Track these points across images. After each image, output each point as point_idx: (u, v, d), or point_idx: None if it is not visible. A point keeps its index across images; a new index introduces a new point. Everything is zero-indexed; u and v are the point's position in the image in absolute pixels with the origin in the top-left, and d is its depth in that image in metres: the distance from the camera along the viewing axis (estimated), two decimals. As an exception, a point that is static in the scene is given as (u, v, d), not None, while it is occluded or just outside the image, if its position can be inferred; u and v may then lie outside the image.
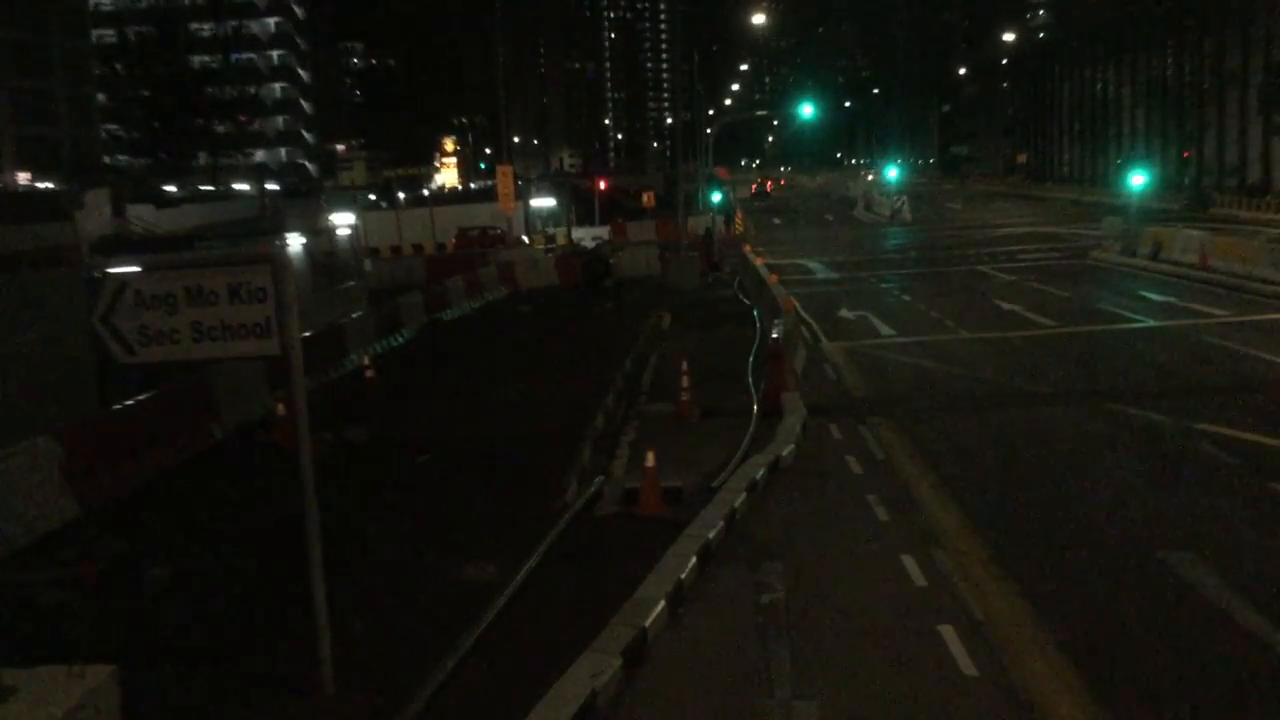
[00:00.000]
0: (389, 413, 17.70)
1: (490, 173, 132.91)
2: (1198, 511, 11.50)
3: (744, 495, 12.34)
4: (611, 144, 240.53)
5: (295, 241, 27.67)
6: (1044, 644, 8.64)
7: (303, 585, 8.06)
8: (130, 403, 14.77)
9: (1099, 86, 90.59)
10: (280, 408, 15.00)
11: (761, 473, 13.25)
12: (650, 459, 12.38)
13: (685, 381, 17.18)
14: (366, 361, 19.81)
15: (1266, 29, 60.09)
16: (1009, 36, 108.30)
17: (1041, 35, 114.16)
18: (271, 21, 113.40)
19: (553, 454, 14.41)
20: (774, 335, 19.08)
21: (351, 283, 32.51)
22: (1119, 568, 10.12)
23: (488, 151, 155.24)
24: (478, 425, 16.74)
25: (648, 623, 8.82)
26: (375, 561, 10.80)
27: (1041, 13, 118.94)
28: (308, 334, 21.44)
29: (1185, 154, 72.05)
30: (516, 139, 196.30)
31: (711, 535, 10.97)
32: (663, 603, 9.23)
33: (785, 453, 14.19)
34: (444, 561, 10.46)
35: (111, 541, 11.56)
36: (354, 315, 24.67)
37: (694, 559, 10.31)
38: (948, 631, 8.89)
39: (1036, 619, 9.11)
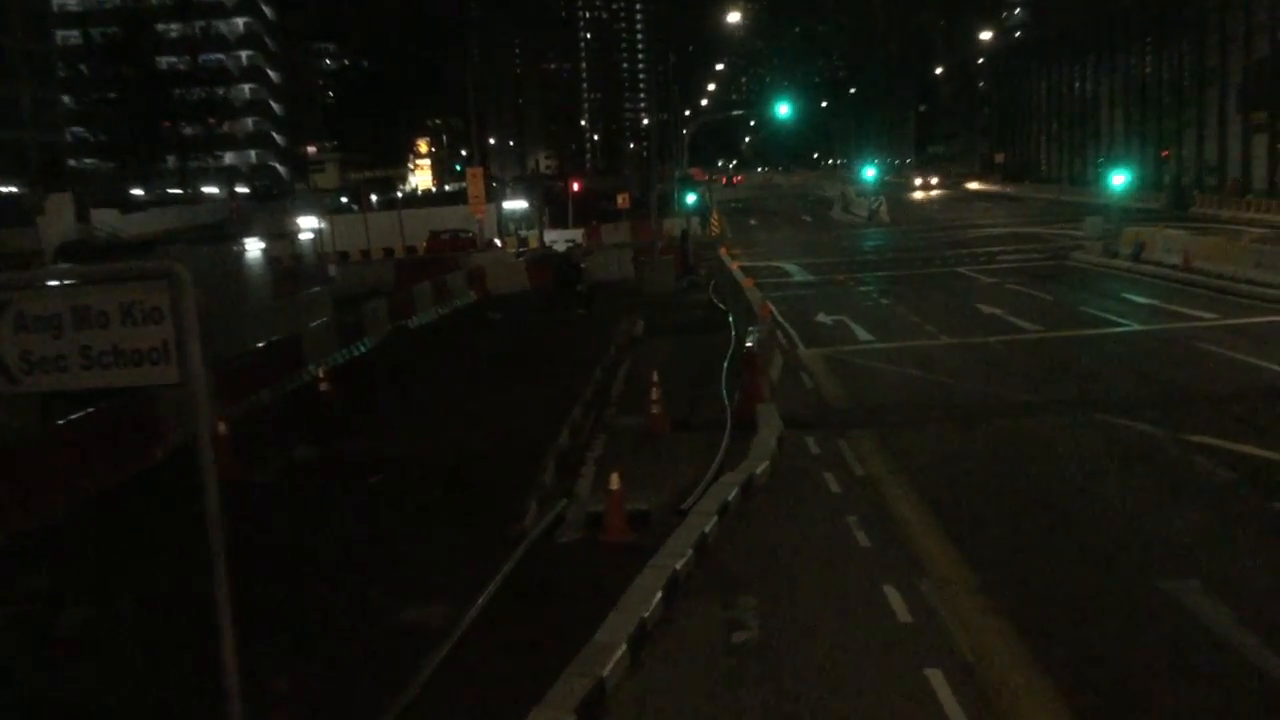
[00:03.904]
0: (343, 428, 16.82)
1: (464, 174, 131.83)
2: (1197, 533, 10.79)
3: (715, 519, 11.56)
4: (588, 145, 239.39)
5: (254, 246, 26.67)
6: (1040, 690, 7.88)
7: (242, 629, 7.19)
8: (63, 422, 13.86)
9: (1077, 86, 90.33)
10: (222, 426, 14.11)
11: (734, 493, 12.47)
12: (615, 481, 11.58)
13: (655, 394, 16.38)
14: (321, 374, 18.90)
15: (1245, 27, 59.78)
16: (986, 35, 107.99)
17: (1018, 34, 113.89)
18: (240, 22, 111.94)
19: (515, 472, 13.60)
20: (748, 344, 18.32)
21: (316, 289, 31.55)
22: (1118, 599, 9.38)
23: (463, 153, 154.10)
24: (437, 441, 15.89)
25: (606, 671, 8.00)
26: (310, 601, 9.93)
27: (1018, 11, 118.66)
28: (261, 345, 20.62)
29: (1164, 153, 71.74)
30: (492, 140, 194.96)
31: (679, 565, 10.17)
32: (624, 647, 8.42)
33: (759, 470, 13.41)
34: (387, 600, 9.62)
35: (31, 578, 10.66)
36: (314, 323, 23.74)
37: (660, 594, 9.51)
38: (935, 676, 8.12)
39: (1031, 661, 8.35)
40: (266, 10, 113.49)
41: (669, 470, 14.10)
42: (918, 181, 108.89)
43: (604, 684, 7.91)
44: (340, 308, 28.78)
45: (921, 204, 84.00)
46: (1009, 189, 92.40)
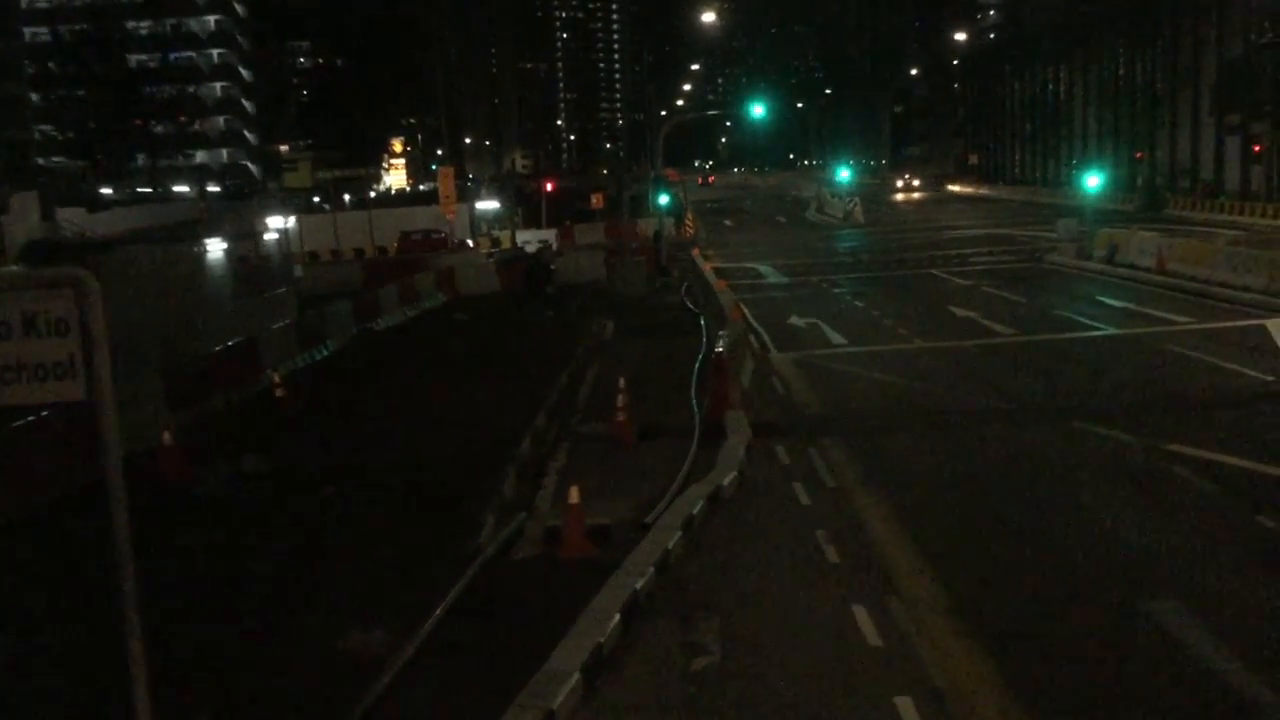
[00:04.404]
0: (299, 437, 16.26)
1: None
2: (1178, 550, 10.40)
3: (679, 534, 11.09)
4: (565, 145, 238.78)
5: (216, 247, 26.04)
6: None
7: (164, 661, 6.67)
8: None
9: (1051, 87, 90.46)
10: (166, 436, 13.54)
11: (700, 506, 12.01)
12: (574, 495, 11.11)
13: (621, 400, 15.90)
14: (277, 379, 18.32)
15: (1218, 29, 59.85)
16: (960, 37, 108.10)
17: (992, 36, 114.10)
18: (211, 19, 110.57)
19: (473, 483, 13.11)
20: (718, 349, 17.89)
21: (281, 290, 30.92)
22: (1096, 621, 8.97)
23: (439, 153, 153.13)
24: (395, 449, 15.36)
25: (557, 704, 7.52)
26: (246, 625, 9.39)
27: (993, 13, 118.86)
28: (216, 348, 20.03)
29: (1138, 155, 71.84)
30: (468, 140, 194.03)
31: (639, 585, 9.70)
32: (577, 675, 7.94)
33: (726, 481, 12.96)
34: (326, 624, 9.10)
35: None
36: (274, 326, 23.14)
37: (617, 616, 9.04)
38: (905, 705, 7.68)
39: (1003, 688, 7.93)
40: (238, 8, 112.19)
41: (634, 481, 13.64)
42: (899, 183, 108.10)
43: (554, 716, 7.43)
44: (306, 309, 28.19)
45: (897, 205, 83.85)
46: (991, 191, 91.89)
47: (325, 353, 23.65)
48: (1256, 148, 56.86)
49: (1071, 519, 11.44)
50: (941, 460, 14.08)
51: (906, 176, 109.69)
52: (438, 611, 9.11)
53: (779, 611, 9.51)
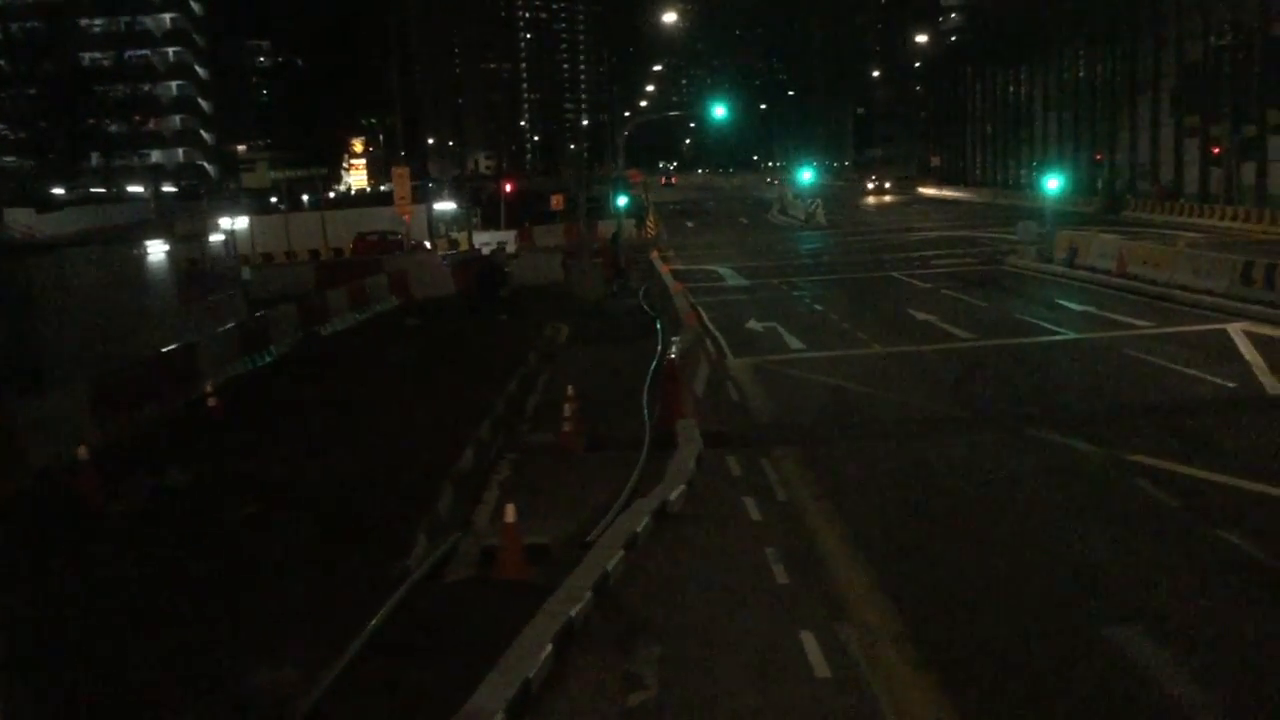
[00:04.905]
0: (230, 448, 15.53)
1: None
2: (1142, 569, 9.95)
3: (621, 554, 10.53)
4: (529, 146, 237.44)
5: (157, 249, 25.17)
6: (970, 764, 6.96)
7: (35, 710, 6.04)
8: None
9: (1011, 89, 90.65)
10: (82, 450, 12.79)
11: (645, 522, 11.45)
12: (510, 513, 10.52)
13: (568, 409, 15.34)
14: (210, 388, 17.55)
15: (1178, 31, 60.02)
16: (922, 38, 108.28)
17: (954, 38, 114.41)
18: (167, 17, 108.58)
19: (408, 499, 12.47)
20: (670, 355, 17.35)
21: (227, 293, 30.07)
22: (1056, 649, 8.48)
23: (402, 154, 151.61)
24: (330, 462, 14.67)
25: (476, 749, 6.95)
26: (141, 665, 8.69)
27: (954, 15, 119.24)
28: (150, 355, 19.26)
29: (1098, 157, 72.03)
30: (431, 140, 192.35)
31: (575, 611, 9.12)
32: (500, 716, 7.36)
33: (674, 496, 12.40)
34: (233, 661, 8.45)
35: None
36: (214, 331, 22.36)
37: (550, 646, 8.46)
38: (853, 746, 7.16)
39: (960, 725, 7.43)
40: (195, 6, 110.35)
41: (580, 494, 13.09)
42: (869, 185, 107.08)
43: (472, 765, 6.85)
44: (253, 313, 27.35)
45: (862, 208, 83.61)
46: (963, 194, 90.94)
47: (268, 359, 22.87)
48: (1215, 150, 57.02)
49: (1031, 536, 10.97)
50: (896, 472, 13.60)
51: (875, 179, 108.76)
52: (355, 644, 8.48)
53: (722, 638, 8.97)
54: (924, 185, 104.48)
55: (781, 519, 11.93)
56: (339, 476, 13.85)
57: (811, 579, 10.14)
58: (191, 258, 34.62)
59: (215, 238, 36.33)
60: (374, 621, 8.91)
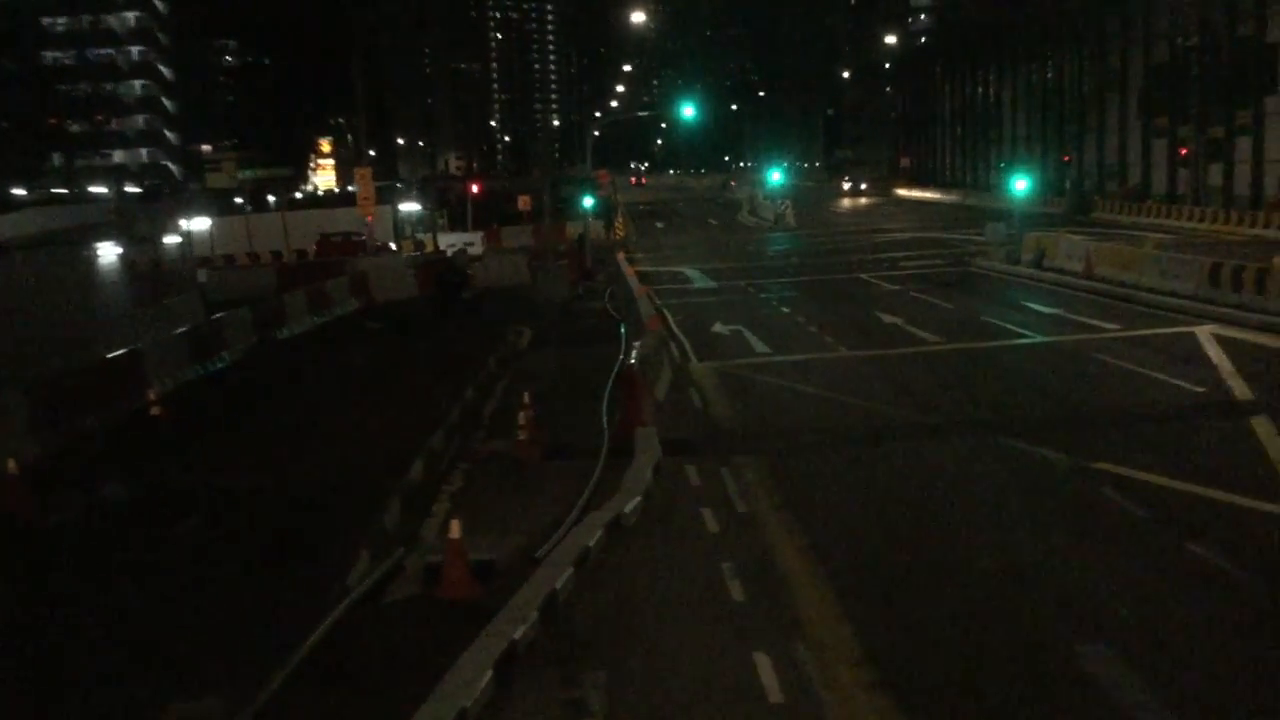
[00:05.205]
0: (173, 460, 14.99)
1: (373, 174, 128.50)
2: (1109, 584, 9.61)
3: (570, 571, 10.11)
4: (499, 146, 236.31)
5: (109, 251, 24.55)
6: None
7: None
8: None
9: (980, 90, 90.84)
10: (11, 464, 12.24)
11: (597, 536, 11.05)
12: (455, 529, 10.07)
13: (524, 418, 14.90)
14: (153, 395, 16.97)
15: (1145, 32, 60.16)
16: (891, 39, 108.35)
17: (924, 39, 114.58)
18: (131, 16, 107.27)
19: (354, 512, 11.99)
20: (630, 360, 16.95)
21: (182, 296, 29.43)
22: (1019, 670, 8.12)
23: (371, 154, 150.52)
24: (275, 473, 14.17)
25: (403, 790, 6.51)
26: (52, 691, 8.19)
27: (924, 17, 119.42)
28: (94, 362, 18.68)
29: (1066, 158, 72.19)
30: (401, 141, 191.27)
31: (519, 633, 8.70)
32: (432, 751, 6.93)
33: (629, 509, 12.00)
34: (151, 692, 7.96)
35: None
36: (163, 336, 21.75)
37: (490, 673, 8.03)
38: (805, 780, 6.77)
39: (919, 756, 7.05)
40: (159, 5, 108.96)
41: (532, 506, 12.68)
42: (844, 186, 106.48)
43: (398, 807, 6.42)
44: (210, 317, 26.73)
45: (833, 209, 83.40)
46: (943, 195, 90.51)
47: (220, 365, 22.28)
48: (1183, 150, 57.20)
49: (996, 550, 10.61)
50: (860, 482, 13.24)
51: (850, 180, 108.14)
52: (283, 673, 8.02)
53: (672, 661, 8.57)
54: (900, 187, 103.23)
55: (740, 531, 11.55)
56: (283, 489, 13.36)
57: (768, 596, 9.76)
58: (154, 260, 33.99)
59: (170, 239, 35.59)
60: (305, 646, 8.44)
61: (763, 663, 8.38)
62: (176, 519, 11.95)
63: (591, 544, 10.83)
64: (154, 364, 19.57)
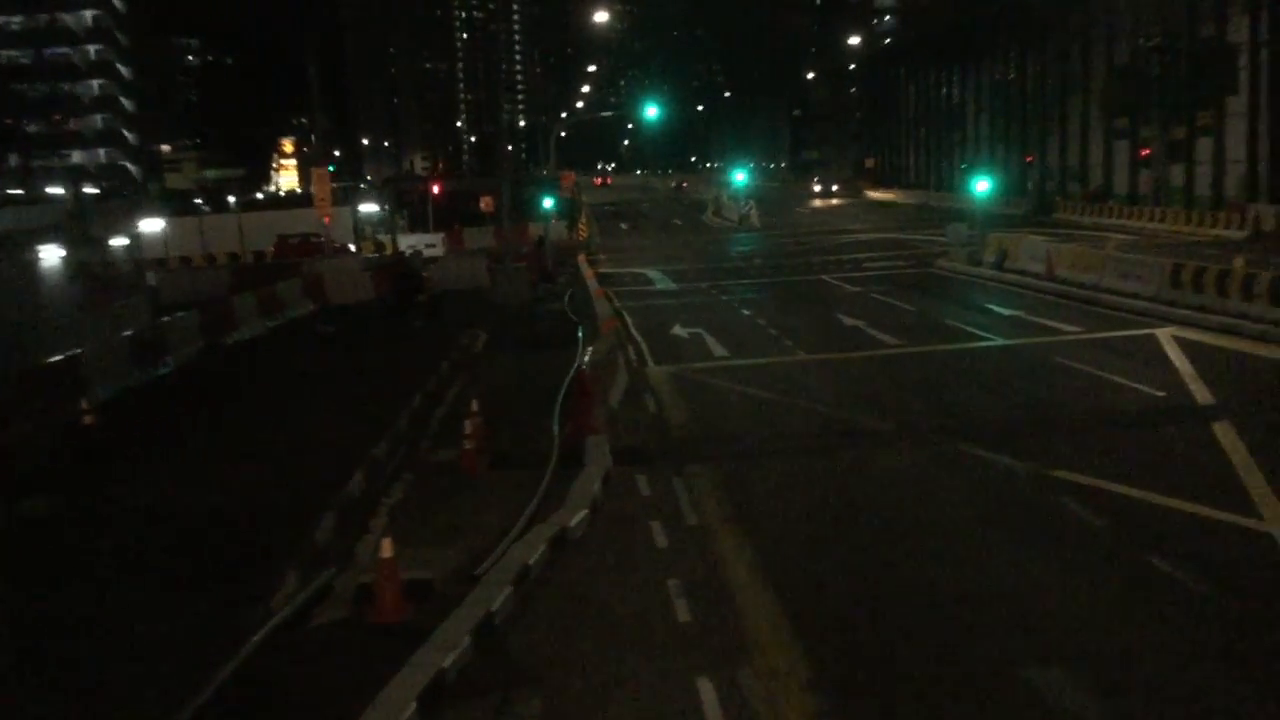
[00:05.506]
0: (105, 473, 14.39)
1: (337, 175, 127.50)
2: (1067, 601, 9.25)
3: (509, 590, 9.65)
4: (465, 146, 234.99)
5: (51, 254, 23.83)
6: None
7: None
8: None
9: (944, 91, 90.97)
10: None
11: (540, 552, 10.60)
12: (387, 547, 9.57)
13: (470, 426, 14.40)
14: (86, 404, 16.33)
15: (1108, 33, 60.29)
16: (855, 40, 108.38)
17: (888, 40, 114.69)
18: (88, 14, 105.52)
19: (287, 527, 11.47)
20: (581, 365, 16.50)
21: (130, 299, 28.68)
22: (975, 696, 7.73)
23: (336, 154, 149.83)
24: (209, 486, 13.60)
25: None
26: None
27: (888, 18, 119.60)
28: (28, 368, 18.02)
29: (1028, 159, 72.34)
30: (366, 141, 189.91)
31: (449, 661, 8.23)
32: (345, 795, 6.45)
33: (574, 522, 11.55)
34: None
35: None
36: (103, 342, 21.05)
37: (414, 704, 7.56)
38: (744, 821, 6.34)
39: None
40: (117, 3, 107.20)
41: (476, 520, 12.21)
42: (815, 187, 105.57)
43: None
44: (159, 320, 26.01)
45: (798, 210, 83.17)
46: (915, 197, 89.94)
47: (164, 371, 21.62)
48: (1145, 151, 57.35)
49: (952, 565, 10.23)
50: (815, 492, 12.84)
51: (820, 181, 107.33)
52: (195, 703, 7.50)
53: (612, 689, 8.12)
54: (871, 188, 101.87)
55: (689, 545, 11.12)
56: (217, 503, 12.78)
57: (715, 616, 9.34)
58: (103, 262, 33.20)
59: (117, 241, 34.76)
60: (220, 676, 7.92)
61: (706, 690, 7.97)
62: (100, 536, 11.36)
63: (533, 561, 10.37)
64: (94, 370, 18.90)
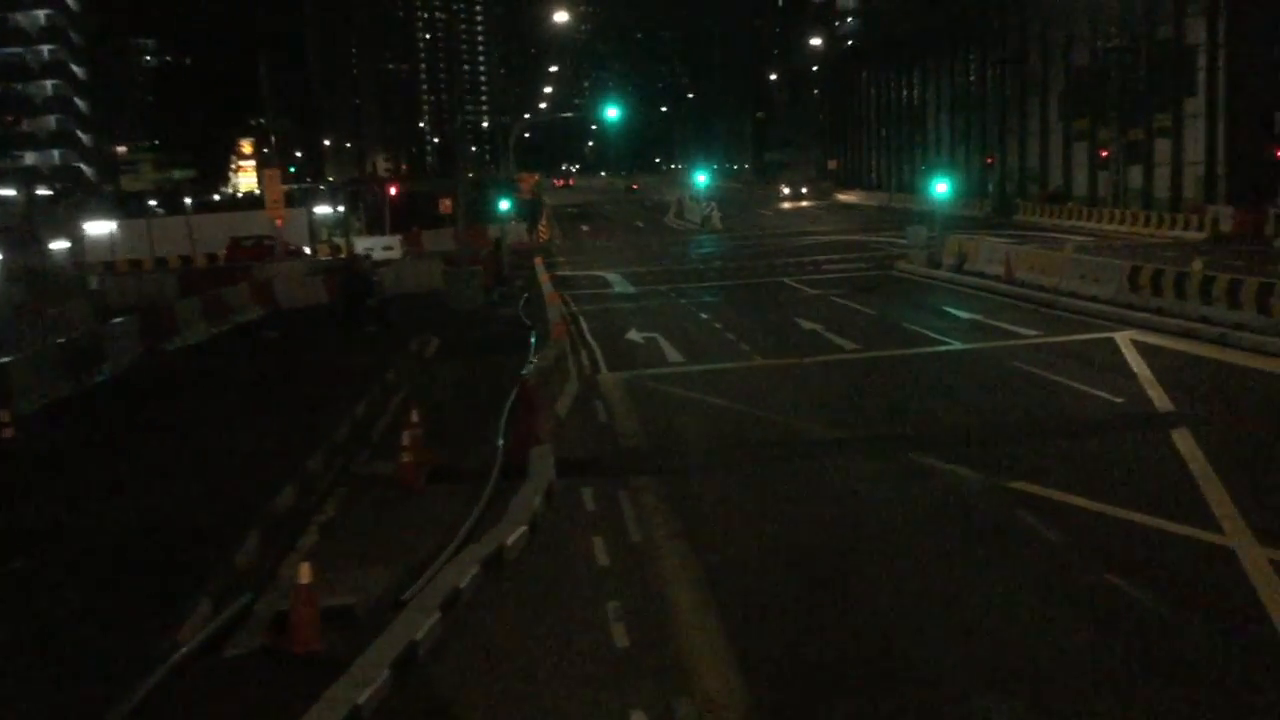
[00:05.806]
0: (16, 487, 13.71)
1: (299, 176, 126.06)
2: (1023, 624, 8.81)
3: (436, 616, 9.12)
4: (428, 148, 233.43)
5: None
6: None
7: None
8: None
9: (906, 93, 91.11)
10: None
11: (473, 573, 10.08)
12: (305, 572, 9.01)
13: (408, 438, 13.83)
14: (7, 416, 15.63)
15: (1067, 36, 60.44)
16: (817, 42, 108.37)
17: (850, 42, 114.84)
18: (41, 14, 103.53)
19: (207, 547, 10.87)
20: (526, 373, 15.98)
21: (70, 304, 27.85)
22: (921, 730, 7.29)
23: (298, 155, 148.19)
24: (132, 504, 12.97)
25: None
26: None
27: (850, 20, 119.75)
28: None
29: (989, 160, 72.49)
30: (328, 142, 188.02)
31: (364, 697, 7.69)
32: None
33: (512, 540, 11.03)
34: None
35: None
36: (34, 349, 20.31)
37: (322, 747, 7.02)
38: None
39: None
40: (70, 3, 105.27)
41: (409, 537, 11.65)
42: (784, 190, 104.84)
43: None
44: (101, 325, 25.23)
45: (761, 212, 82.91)
46: (878, 199, 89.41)
47: (100, 379, 20.88)
48: (1103, 153, 57.51)
49: (902, 585, 9.78)
50: (764, 505, 12.37)
51: (788, 184, 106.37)
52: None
53: (540, 723, 7.61)
54: (839, 190, 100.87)
55: (631, 564, 10.63)
56: (135, 521, 12.17)
57: (654, 641, 8.84)
58: (43, 266, 32.26)
59: (58, 244, 33.86)
60: (120, 711, 7.34)
61: (640, 722, 7.48)
62: (5, 557, 10.72)
63: (464, 584, 9.85)
64: (23, 378, 18.16)
